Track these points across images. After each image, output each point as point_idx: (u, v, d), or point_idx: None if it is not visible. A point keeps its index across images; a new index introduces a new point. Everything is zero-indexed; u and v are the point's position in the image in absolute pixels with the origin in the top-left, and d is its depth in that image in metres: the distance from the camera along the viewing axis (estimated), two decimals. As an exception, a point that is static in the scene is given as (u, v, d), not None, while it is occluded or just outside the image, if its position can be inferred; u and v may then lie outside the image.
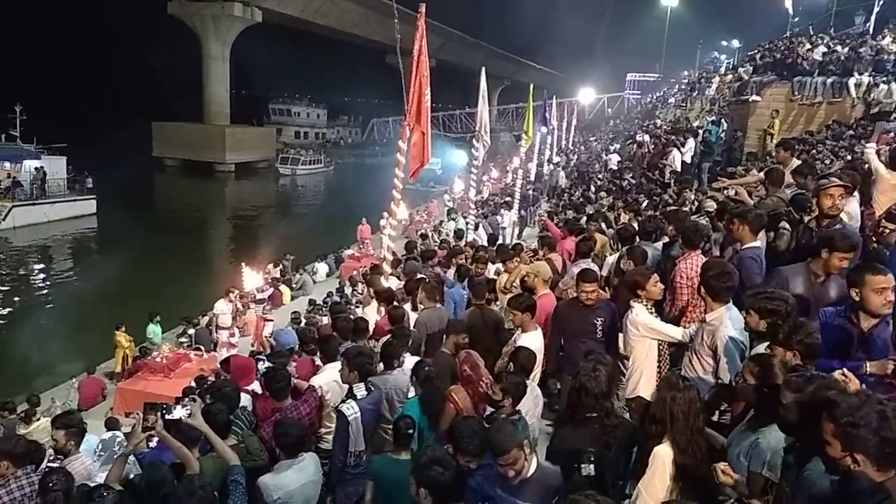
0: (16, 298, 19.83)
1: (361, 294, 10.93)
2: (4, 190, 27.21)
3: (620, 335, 4.88)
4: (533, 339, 4.84)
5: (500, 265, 7.97)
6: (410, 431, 3.75)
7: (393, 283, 7.97)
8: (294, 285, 17.98)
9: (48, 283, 22.06)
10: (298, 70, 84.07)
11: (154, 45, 65.07)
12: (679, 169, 15.61)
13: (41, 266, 24.04)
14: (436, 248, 12.06)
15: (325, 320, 10.75)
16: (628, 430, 3.34)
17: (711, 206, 8.29)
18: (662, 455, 2.91)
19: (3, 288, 20.75)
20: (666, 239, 6.87)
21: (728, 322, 3.77)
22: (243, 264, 13.65)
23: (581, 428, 3.24)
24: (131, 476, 3.81)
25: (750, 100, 17.07)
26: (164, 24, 54.73)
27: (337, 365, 4.60)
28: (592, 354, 3.86)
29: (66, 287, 21.52)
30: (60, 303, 19.25)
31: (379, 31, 61.05)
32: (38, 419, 9.36)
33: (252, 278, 13.14)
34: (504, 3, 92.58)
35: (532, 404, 3.99)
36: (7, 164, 28.10)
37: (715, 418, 3.55)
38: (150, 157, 51.87)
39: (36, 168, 28.35)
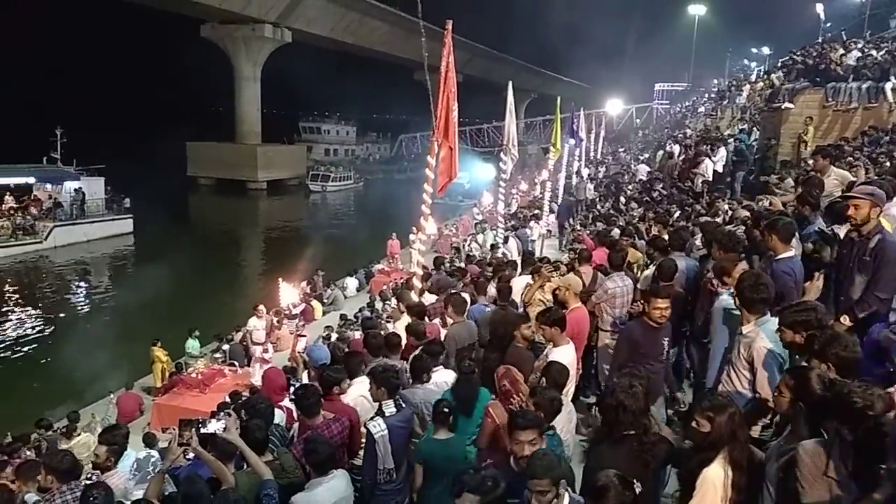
0: (57, 315, 20.38)
1: (392, 309, 10.98)
2: (46, 211, 28.08)
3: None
4: (565, 354, 4.77)
5: (528, 278, 7.94)
6: (447, 410, 4.02)
7: (424, 298, 7.99)
8: (325, 300, 18.15)
9: (87, 300, 22.66)
10: (328, 88, 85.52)
11: (188, 68, 66.82)
12: (711, 178, 15.37)
13: (80, 284, 24.71)
14: (462, 264, 12.01)
15: (357, 335, 10.84)
16: (666, 449, 3.28)
17: (745, 215, 8.17)
18: (713, 477, 2.82)
19: (45, 305, 21.34)
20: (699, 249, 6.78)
21: (764, 334, 3.69)
22: (280, 280, 13.84)
23: (618, 446, 3.18)
24: (167, 492, 3.87)
25: (782, 107, 16.75)
26: (197, 47, 56.25)
27: (363, 380, 4.61)
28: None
29: (104, 304, 22.08)
30: (99, 319, 19.75)
31: (406, 49, 61.75)
32: (79, 434, 9.57)
33: (289, 293, 13.31)
34: (530, 17, 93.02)
35: (566, 420, 3.94)
36: (49, 186, 29.05)
37: (755, 434, 3.46)
38: (185, 176, 53.16)
39: (75, 189, 29.23)
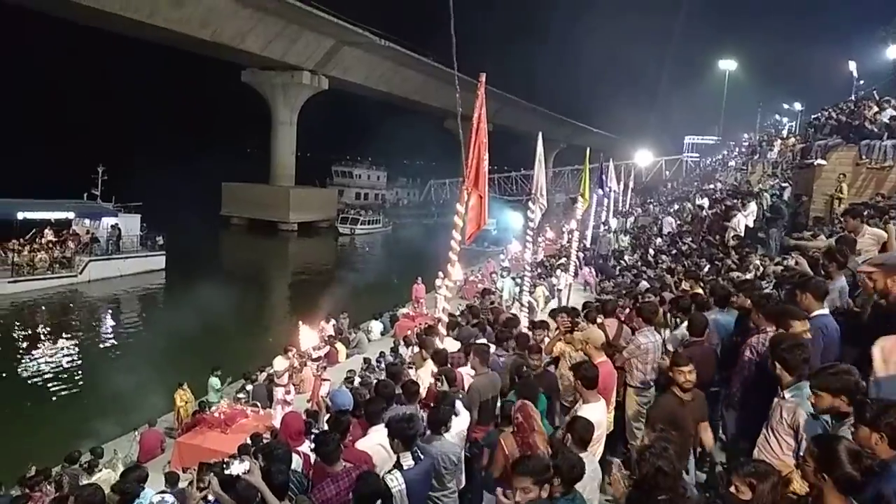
0: (86, 349, 20.70)
1: (414, 354, 10.94)
2: (83, 245, 28.87)
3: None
4: (594, 412, 4.62)
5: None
6: None
7: (448, 345, 7.95)
8: (350, 343, 18.15)
9: (116, 334, 22.99)
10: (360, 133, 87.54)
11: (226, 110, 69.15)
12: (742, 233, 15.22)
13: (111, 318, 25.15)
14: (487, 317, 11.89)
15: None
16: None
17: (778, 271, 8.04)
18: None
19: (75, 338, 21.73)
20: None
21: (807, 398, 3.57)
22: (300, 322, 13.92)
23: None
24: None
25: (815, 163, 16.62)
26: (236, 91, 58.24)
27: (381, 427, 4.56)
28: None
29: (132, 339, 22.37)
30: (126, 354, 19.98)
31: (437, 97, 63.09)
32: (101, 470, 9.61)
33: (308, 336, 13.35)
34: (560, 68, 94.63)
35: (589, 478, 3.83)
36: (87, 222, 29.95)
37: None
38: (219, 215, 54.42)
39: (112, 225, 30.07)
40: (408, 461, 3.99)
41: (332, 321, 19.06)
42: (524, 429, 4.57)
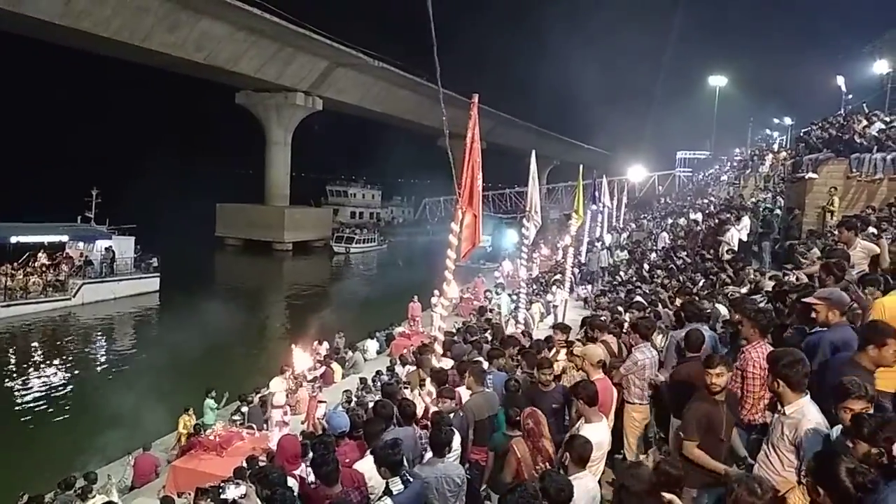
0: (79, 372, 20.53)
1: (409, 373, 10.89)
2: (77, 268, 28.74)
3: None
4: (596, 432, 4.56)
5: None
6: None
7: (444, 364, 7.93)
8: (346, 364, 18.05)
9: (109, 357, 22.81)
10: (355, 152, 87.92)
11: (220, 132, 69.42)
12: (736, 247, 15.30)
13: (105, 341, 24.96)
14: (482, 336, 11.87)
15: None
16: None
17: (771, 285, 8.07)
18: None
19: (68, 362, 21.54)
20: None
21: (808, 414, 3.57)
22: (293, 346, 13.78)
23: None
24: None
25: (806, 177, 16.77)
26: (230, 112, 58.48)
27: None
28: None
29: (126, 362, 22.19)
30: (121, 377, 19.80)
31: (432, 117, 63.48)
32: (94, 496, 9.49)
33: (302, 359, 13.23)
34: (553, 86, 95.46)
35: (589, 498, 3.80)
36: (81, 245, 29.83)
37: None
38: (213, 236, 54.35)
39: (106, 248, 29.95)
40: (397, 486, 3.94)
41: (325, 343, 18.91)
42: (535, 434, 4.78)
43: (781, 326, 5.58)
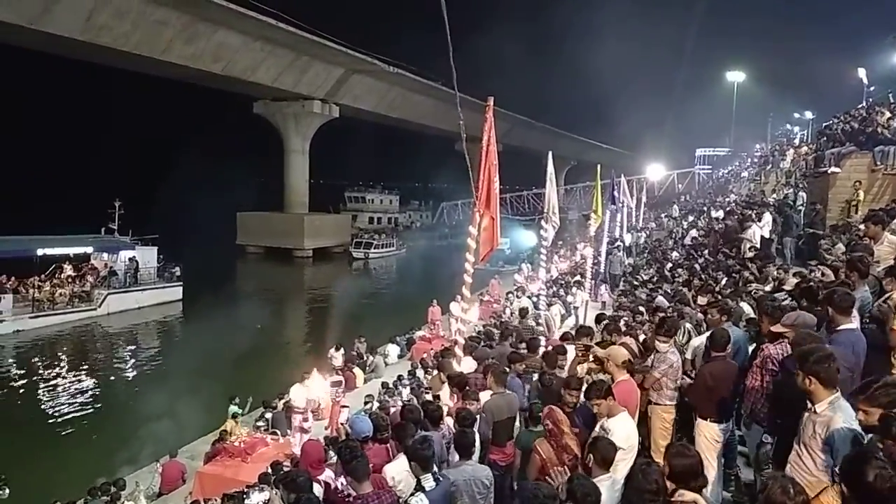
0: (105, 381, 20.86)
1: (431, 378, 10.88)
2: (101, 279, 29.25)
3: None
4: (621, 424, 4.54)
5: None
6: None
7: (466, 366, 7.92)
8: (368, 368, 18.12)
9: (135, 366, 23.17)
10: (372, 159, 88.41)
11: (239, 141, 70.25)
12: (758, 244, 15.09)
13: (130, 350, 25.36)
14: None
15: (400, 403, 10.74)
16: None
17: (795, 282, 7.94)
18: None
19: (95, 371, 21.90)
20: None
21: (841, 412, 3.47)
22: (305, 375, 13.61)
23: None
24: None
25: (829, 171, 16.52)
26: (248, 122, 59.15)
27: None
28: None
29: (152, 370, 22.52)
30: (147, 385, 20.06)
31: (448, 121, 63.49)
32: (123, 503, 9.62)
33: (319, 385, 13.12)
34: (568, 85, 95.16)
35: (612, 501, 3.76)
36: (105, 256, 30.39)
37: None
38: (234, 245, 54.98)
39: (130, 258, 30.45)
40: (429, 483, 3.97)
41: (342, 350, 19.01)
42: (555, 434, 4.81)
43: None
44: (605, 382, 5.05)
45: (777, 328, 4.99)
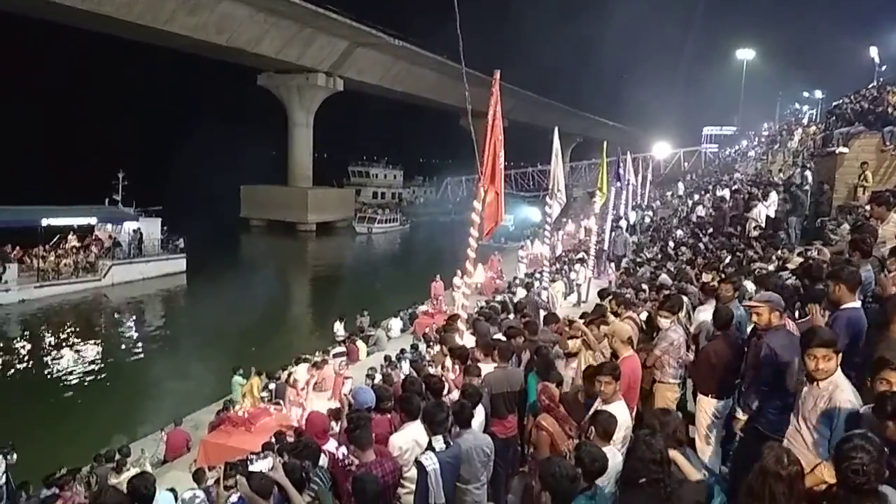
0: (110, 351, 21.02)
1: (435, 353, 10.94)
2: (106, 250, 29.34)
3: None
4: (616, 411, 4.47)
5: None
6: None
7: (468, 340, 7.96)
8: (370, 341, 18.24)
9: (140, 336, 23.34)
10: (377, 133, 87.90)
11: (243, 114, 69.95)
12: (764, 224, 15.04)
13: (135, 320, 25.54)
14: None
15: (402, 376, 10.81)
16: (695, 495, 3.22)
17: (799, 262, 7.93)
18: None
19: (100, 341, 22.09)
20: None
21: (843, 385, 3.50)
22: (310, 357, 13.61)
23: (635, 493, 3.17)
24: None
25: (837, 151, 16.35)
26: (253, 95, 58.79)
27: (417, 423, 4.60)
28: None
29: (156, 340, 22.72)
30: (151, 355, 20.29)
31: (453, 95, 63.13)
32: (128, 469, 9.76)
33: (302, 374, 13.20)
34: (575, 62, 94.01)
35: (614, 472, 3.80)
36: (109, 227, 30.42)
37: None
38: (238, 218, 55.05)
39: (134, 229, 30.51)
40: (440, 444, 4.14)
41: (343, 322, 19.19)
42: (553, 408, 5.04)
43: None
44: (615, 364, 5.01)
45: (751, 303, 5.17)
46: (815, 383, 3.58)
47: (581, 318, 8.38)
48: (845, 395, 3.45)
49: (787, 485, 2.71)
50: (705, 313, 6.66)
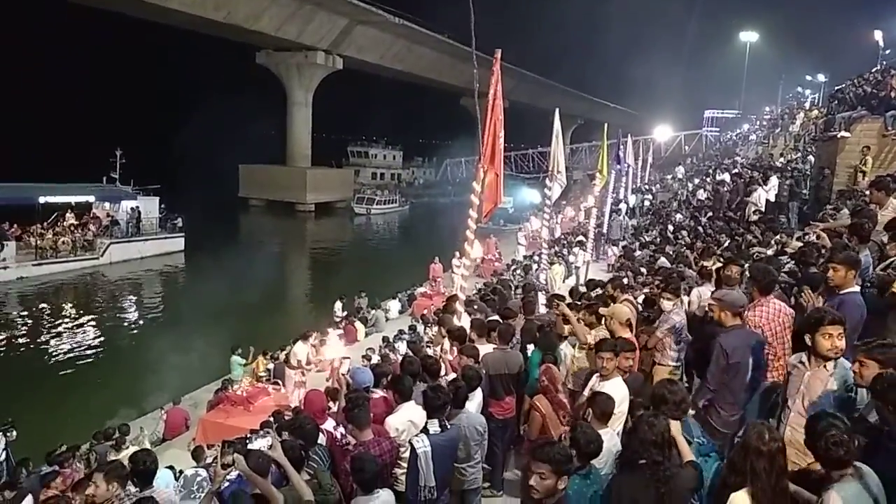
0: (109, 329, 21.05)
1: (433, 334, 10.97)
2: (104, 228, 29.26)
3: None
4: (613, 388, 4.52)
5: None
6: None
7: (466, 322, 7.97)
8: (368, 322, 18.30)
9: (139, 314, 23.38)
10: (376, 113, 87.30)
11: (241, 92, 69.41)
12: (763, 208, 15.01)
13: (133, 299, 25.54)
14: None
15: (399, 357, 10.86)
16: (692, 477, 3.23)
17: (795, 246, 7.92)
18: (739, 502, 2.77)
19: (99, 319, 22.09)
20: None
21: (848, 365, 3.51)
22: (312, 334, 13.67)
23: (634, 474, 3.20)
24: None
25: (838, 136, 16.25)
26: (251, 73, 58.29)
27: (411, 404, 4.62)
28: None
29: (154, 319, 22.75)
30: (150, 334, 20.30)
31: (452, 75, 62.61)
32: (128, 447, 9.84)
33: (334, 348, 13.28)
34: (577, 43, 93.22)
35: (608, 453, 3.82)
36: (107, 205, 30.30)
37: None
38: (237, 197, 54.88)
39: (132, 208, 30.39)
40: (434, 427, 4.18)
41: (342, 302, 19.27)
42: (550, 390, 5.02)
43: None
44: (618, 341, 5.08)
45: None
46: (822, 366, 3.57)
47: (572, 295, 8.45)
48: (832, 383, 3.49)
49: (768, 460, 2.77)
50: (703, 288, 6.73)
